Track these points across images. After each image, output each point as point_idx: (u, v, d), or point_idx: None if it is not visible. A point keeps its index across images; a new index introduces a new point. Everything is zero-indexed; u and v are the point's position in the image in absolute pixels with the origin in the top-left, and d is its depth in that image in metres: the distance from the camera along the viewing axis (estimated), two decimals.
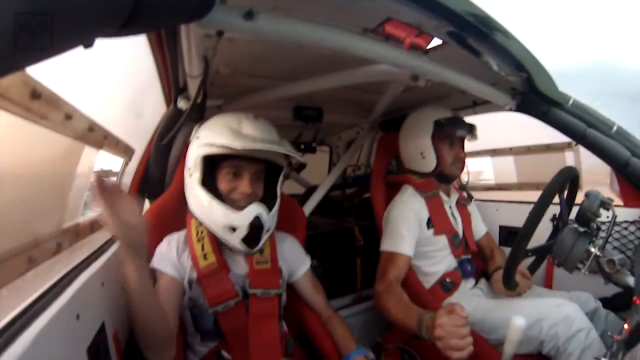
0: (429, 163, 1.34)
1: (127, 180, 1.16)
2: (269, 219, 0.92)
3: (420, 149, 1.35)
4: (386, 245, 1.26)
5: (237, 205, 0.90)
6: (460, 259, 1.34)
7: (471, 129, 1.37)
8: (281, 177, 0.99)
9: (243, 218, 0.88)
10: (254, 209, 0.89)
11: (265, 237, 0.93)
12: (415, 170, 1.39)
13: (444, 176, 1.36)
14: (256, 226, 0.88)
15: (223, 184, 0.91)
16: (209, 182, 0.91)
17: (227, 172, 0.91)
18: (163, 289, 0.90)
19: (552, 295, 1.24)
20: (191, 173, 0.92)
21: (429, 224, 1.30)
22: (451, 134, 1.34)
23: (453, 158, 1.34)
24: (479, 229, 1.52)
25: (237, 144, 0.83)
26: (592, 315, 1.13)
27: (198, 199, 0.91)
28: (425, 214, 1.30)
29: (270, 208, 0.93)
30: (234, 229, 0.89)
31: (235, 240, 0.89)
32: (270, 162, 0.94)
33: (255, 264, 0.98)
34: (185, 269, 0.95)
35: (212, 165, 0.91)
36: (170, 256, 0.95)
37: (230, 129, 0.89)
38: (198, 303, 0.93)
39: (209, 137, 0.89)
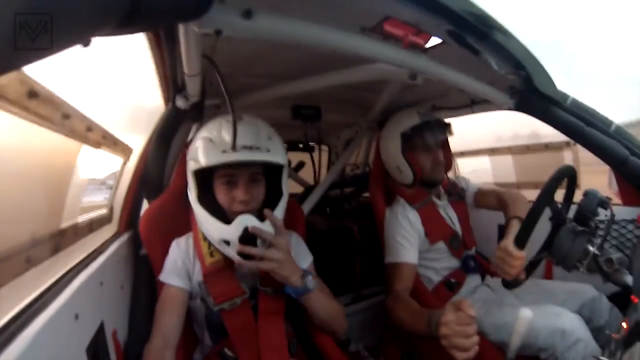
0: (406, 176, 1.32)
1: (126, 179, 1.16)
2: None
3: (395, 163, 1.34)
4: (388, 258, 1.26)
5: (237, 215, 0.86)
6: (462, 257, 1.34)
7: (443, 130, 1.32)
8: (284, 174, 0.94)
9: (233, 232, 0.84)
10: (242, 221, 0.84)
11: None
12: (399, 182, 1.38)
13: (427, 182, 1.34)
14: (247, 238, 0.83)
15: (221, 196, 0.89)
16: (208, 196, 0.89)
17: (221, 182, 0.89)
18: (167, 301, 0.91)
19: (551, 287, 1.23)
20: (190, 188, 0.91)
21: (425, 233, 1.29)
22: (421, 142, 1.30)
23: (431, 164, 1.30)
24: (471, 190, 1.46)
25: (204, 161, 0.84)
26: (592, 305, 1.11)
27: (197, 215, 0.91)
28: (420, 225, 1.29)
29: (273, 206, 0.89)
30: (228, 243, 0.86)
31: (232, 254, 0.87)
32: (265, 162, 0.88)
33: None
34: (194, 270, 0.95)
35: (206, 176, 0.90)
36: (178, 263, 0.95)
37: (207, 140, 0.87)
38: (207, 301, 0.93)
39: (194, 151, 0.88)
